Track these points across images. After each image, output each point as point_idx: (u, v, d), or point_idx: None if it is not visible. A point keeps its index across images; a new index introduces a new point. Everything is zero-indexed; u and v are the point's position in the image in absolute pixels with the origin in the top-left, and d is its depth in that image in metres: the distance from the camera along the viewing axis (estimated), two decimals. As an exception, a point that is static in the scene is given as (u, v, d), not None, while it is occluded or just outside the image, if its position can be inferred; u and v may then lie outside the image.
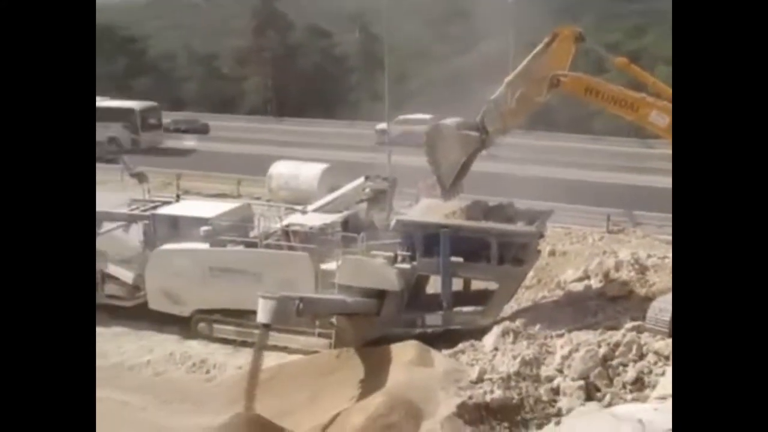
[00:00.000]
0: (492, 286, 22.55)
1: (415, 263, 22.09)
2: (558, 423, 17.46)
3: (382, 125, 43.01)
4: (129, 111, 54.32)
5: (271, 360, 20.97)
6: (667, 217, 26.47)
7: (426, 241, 21.80)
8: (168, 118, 60.57)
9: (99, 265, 25.80)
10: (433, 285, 23.39)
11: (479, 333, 21.45)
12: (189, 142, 54.95)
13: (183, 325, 25.07)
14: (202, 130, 61.45)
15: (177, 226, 25.11)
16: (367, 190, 26.50)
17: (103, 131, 47.07)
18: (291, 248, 23.65)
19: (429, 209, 23.08)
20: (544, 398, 18.56)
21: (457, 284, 22.96)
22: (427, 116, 44.94)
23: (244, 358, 22.58)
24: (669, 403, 10.11)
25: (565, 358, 19.28)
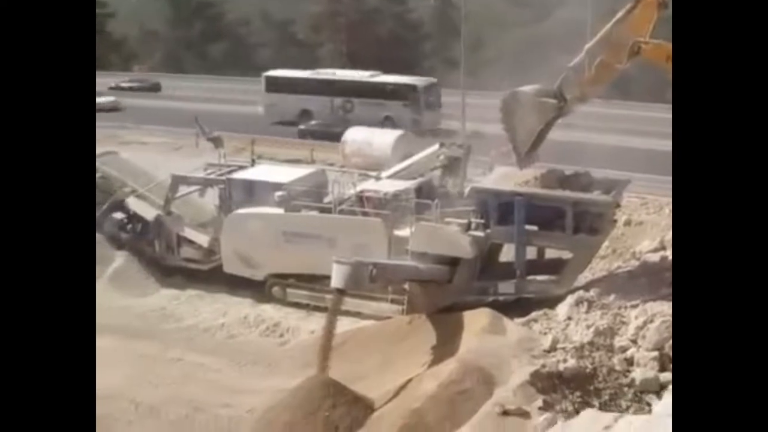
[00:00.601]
0: (566, 255, 22.39)
1: (488, 231, 22.04)
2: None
3: None
4: (410, 88, 47.84)
5: (343, 325, 20.89)
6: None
7: (500, 208, 21.74)
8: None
9: (175, 229, 26.36)
10: (507, 253, 23.33)
11: (552, 302, 21.33)
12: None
13: (257, 289, 25.13)
14: (154, 89, 60.75)
15: (252, 191, 25.15)
16: (442, 157, 26.29)
17: (376, 110, 45.40)
18: (365, 214, 23.73)
19: (504, 177, 22.97)
20: (618, 368, 18.46)
21: (531, 253, 22.80)
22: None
23: (316, 322, 22.82)
24: None
25: (639, 328, 19.10)
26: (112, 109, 50.40)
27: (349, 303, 22.12)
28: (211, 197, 26.55)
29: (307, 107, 47.62)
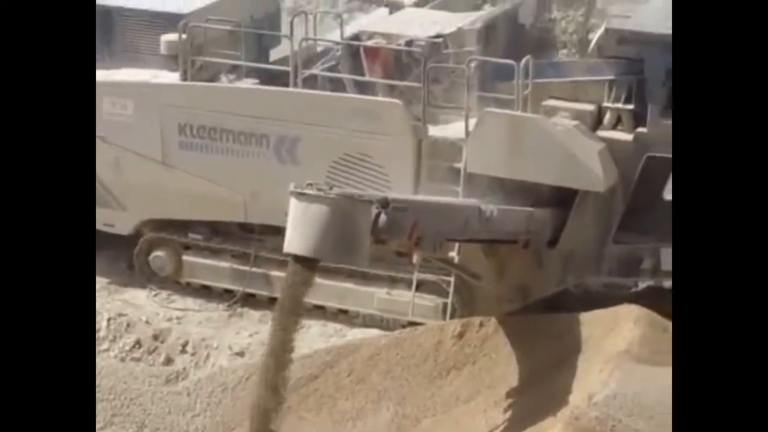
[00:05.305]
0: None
1: (643, 129, 14.56)
2: None
3: None
4: None
5: (314, 338, 15.30)
6: None
7: (673, 77, 13.97)
8: None
9: None
10: None
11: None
12: None
13: (119, 257, 17.47)
14: None
15: (110, 30, 17.24)
16: None
17: None
18: (362, 88, 15.77)
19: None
20: None
21: None
22: None
23: (251, 331, 15.80)
24: None
25: None
26: None
27: (325, 290, 14.87)
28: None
29: None
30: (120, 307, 16.70)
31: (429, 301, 15.47)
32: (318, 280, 13.03)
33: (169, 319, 16.12)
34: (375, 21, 17.62)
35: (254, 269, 15.97)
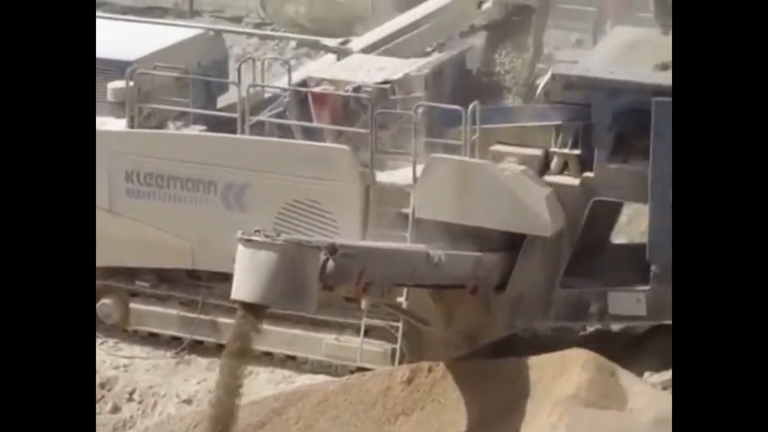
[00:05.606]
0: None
1: (590, 174, 14.87)
2: None
3: None
4: None
5: (261, 385, 15.28)
6: None
7: (619, 122, 14.68)
8: None
9: None
10: (629, 224, 17.24)
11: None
12: None
13: None
14: None
15: None
16: (488, 5, 18.98)
17: None
18: (309, 134, 15.91)
19: (627, 50, 16.14)
20: None
21: None
22: None
23: (199, 378, 15.87)
24: None
25: None
26: None
27: (273, 336, 14.76)
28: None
29: None
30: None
31: (377, 346, 15.44)
32: (266, 326, 12.82)
33: (116, 367, 15.98)
34: (323, 67, 17.53)
35: (202, 316, 15.88)
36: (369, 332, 15.29)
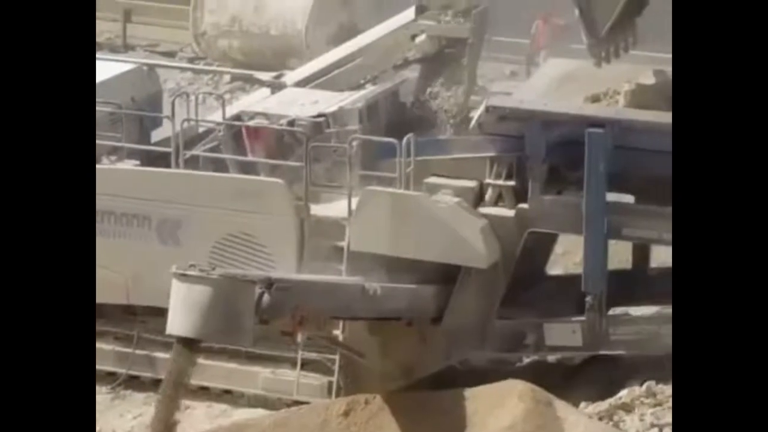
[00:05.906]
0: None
1: (524, 205, 14.85)
2: None
3: None
4: None
5: (200, 421, 15.23)
6: None
7: (554, 155, 14.72)
8: None
9: None
10: (564, 256, 17.06)
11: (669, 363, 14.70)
12: None
13: None
14: None
15: None
16: (422, 38, 18.82)
17: None
18: (244, 168, 15.96)
19: (560, 82, 16.28)
20: None
21: (619, 254, 16.16)
22: None
23: (135, 413, 15.82)
24: None
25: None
26: None
27: (210, 370, 14.82)
28: None
29: None
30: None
31: (314, 379, 15.43)
32: (202, 360, 12.91)
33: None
34: (257, 101, 17.56)
35: (137, 351, 15.77)
36: (305, 365, 15.28)
